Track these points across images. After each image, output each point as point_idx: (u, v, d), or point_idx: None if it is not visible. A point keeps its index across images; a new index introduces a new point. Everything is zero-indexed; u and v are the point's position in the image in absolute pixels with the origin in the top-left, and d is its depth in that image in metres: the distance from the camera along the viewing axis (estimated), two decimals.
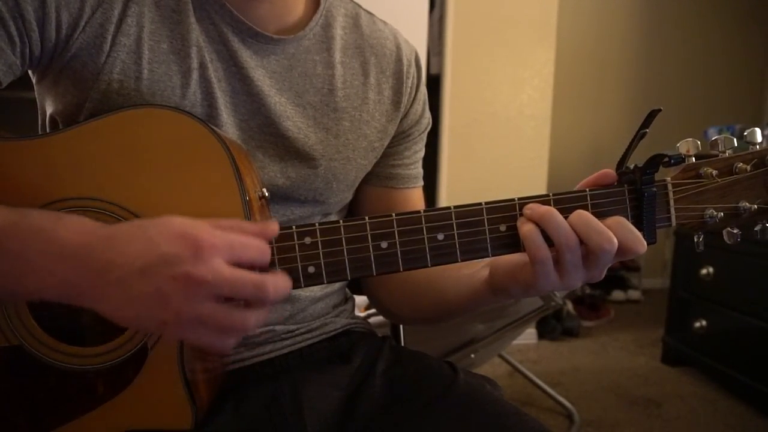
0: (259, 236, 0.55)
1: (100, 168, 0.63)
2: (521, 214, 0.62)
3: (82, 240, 0.52)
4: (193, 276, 0.50)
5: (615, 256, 0.60)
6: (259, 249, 0.55)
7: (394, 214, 0.61)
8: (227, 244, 0.52)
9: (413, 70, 0.86)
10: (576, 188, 0.65)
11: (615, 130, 3.72)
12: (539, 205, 0.61)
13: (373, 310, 1.45)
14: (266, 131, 0.75)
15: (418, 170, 0.90)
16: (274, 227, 0.57)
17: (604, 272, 0.63)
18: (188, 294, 0.51)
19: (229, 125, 0.72)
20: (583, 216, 0.60)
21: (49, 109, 0.73)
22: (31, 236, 0.53)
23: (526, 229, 0.61)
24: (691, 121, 3.36)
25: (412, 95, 0.86)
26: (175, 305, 0.51)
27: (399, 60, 0.84)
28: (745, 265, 2.23)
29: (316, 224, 0.60)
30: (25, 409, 0.64)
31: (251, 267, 0.54)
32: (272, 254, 0.60)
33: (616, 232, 0.59)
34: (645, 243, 0.61)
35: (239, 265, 0.53)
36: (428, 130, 0.91)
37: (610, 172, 0.64)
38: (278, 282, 0.54)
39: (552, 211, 0.60)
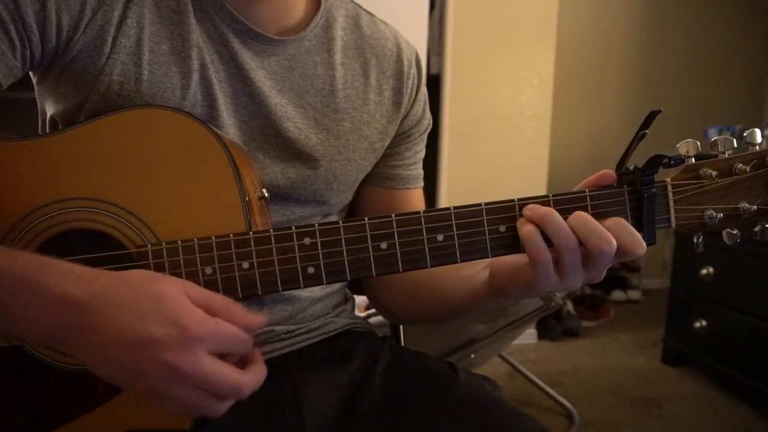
0: (247, 329, 0.56)
1: (100, 168, 0.63)
2: (521, 215, 0.62)
3: (69, 292, 0.52)
4: (174, 366, 0.51)
5: (614, 257, 0.60)
6: (244, 344, 0.56)
7: (393, 215, 0.61)
8: (215, 338, 0.53)
9: (414, 70, 0.86)
10: (576, 189, 0.65)
11: (615, 130, 3.72)
12: (539, 206, 0.61)
13: (373, 310, 1.45)
14: (267, 132, 0.74)
15: (419, 171, 0.90)
16: (262, 320, 0.57)
17: (604, 273, 0.62)
18: (166, 379, 0.51)
19: (229, 126, 0.72)
20: (582, 217, 0.60)
21: (50, 111, 0.73)
22: (15, 286, 0.52)
23: (526, 230, 0.61)
24: (691, 121, 3.36)
25: (413, 96, 0.86)
26: (151, 383, 0.52)
27: (399, 61, 0.84)
28: (745, 265, 2.22)
29: (316, 225, 0.60)
30: (24, 409, 0.64)
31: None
32: (272, 254, 0.60)
33: (615, 234, 0.59)
34: (644, 244, 0.60)
35: (223, 353, 0.54)
36: (429, 130, 0.91)
37: (609, 172, 0.64)
38: (256, 382, 0.55)
39: (552, 212, 0.60)
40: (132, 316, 0.51)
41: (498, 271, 0.67)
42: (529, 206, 0.61)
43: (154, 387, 0.52)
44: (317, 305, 0.83)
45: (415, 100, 0.86)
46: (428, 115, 0.90)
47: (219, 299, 0.56)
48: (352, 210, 0.89)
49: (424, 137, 0.90)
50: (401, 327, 1.07)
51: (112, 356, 0.52)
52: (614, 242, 0.59)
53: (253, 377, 0.55)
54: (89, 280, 0.53)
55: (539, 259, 0.60)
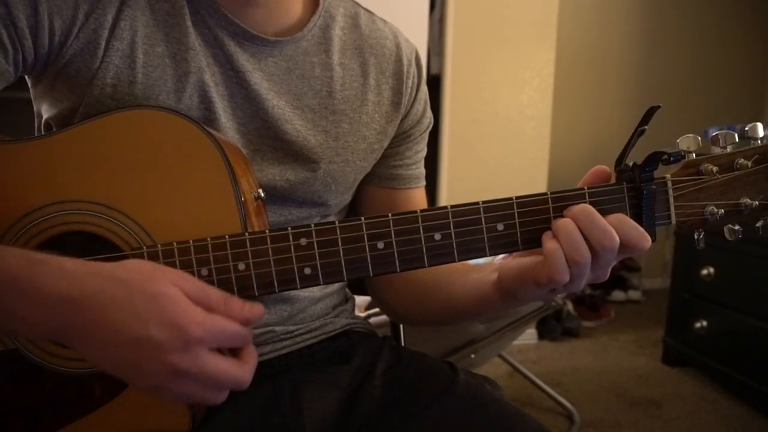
0: (245, 323, 0.56)
1: (94, 170, 0.62)
2: (518, 213, 0.62)
3: (63, 291, 0.51)
4: (178, 367, 0.51)
5: (619, 253, 0.60)
6: (243, 338, 0.56)
7: (390, 215, 0.61)
8: (214, 336, 0.53)
9: (413, 69, 0.86)
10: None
11: (615, 130, 3.71)
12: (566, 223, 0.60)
13: (373, 310, 1.45)
14: (265, 134, 0.74)
15: (420, 170, 0.89)
16: (259, 311, 0.58)
17: (609, 272, 0.62)
18: (168, 378, 0.52)
19: (227, 129, 0.72)
20: (587, 211, 0.60)
21: (45, 114, 0.72)
22: (6, 285, 0.52)
23: (550, 246, 0.59)
24: (692, 121, 3.35)
25: (413, 95, 0.85)
26: (154, 381, 0.52)
27: (399, 60, 0.84)
28: (745, 266, 2.22)
29: (312, 225, 0.60)
30: (21, 412, 0.64)
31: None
32: (268, 255, 0.60)
33: (617, 230, 0.59)
34: (649, 238, 0.60)
35: (222, 348, 0.55)
36: (429, 129, 0.90)
37: (602, 167, 0.64)
38: (252, 368, 0.57)
39: (569, 226, 0.59)
40: (129, 316, 0.51)
41: (505, 273, 0.66)
42: (558, 224, 0.60)
43: (156, 384, 0.53)
44: (317, 305, 0.83)
45: (415, 99, 0.86)
46: (429, 114, 0.89)
47: (215, 294, 0.56)
48: (354, 210, 0.89)
49: (425, 136, 0.90)
50: (401, 327, 1.07)
51: (113, 354, 0.52)
52: (617, 239, 0.58)
53: (249, 367, 0.56)
54: (82, 277, 0.52)
55: (557, 279, 0.59)
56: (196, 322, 0.52)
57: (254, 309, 0.57)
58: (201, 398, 0.54)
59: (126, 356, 0.52)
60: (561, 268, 0.58)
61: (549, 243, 0.60)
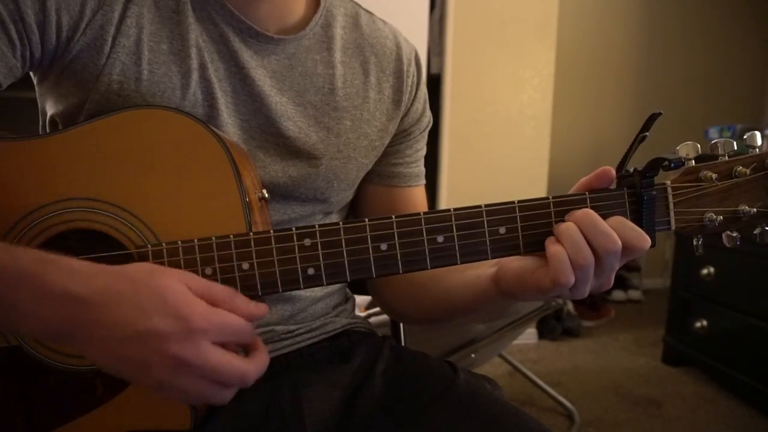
0: (250, 318, 0.57)
1: (100, 169, 0.63)
2: (520, 216, 0.62)
3: (71, 289, 0.52)
4: (179, 357, 0.51)
5: (621, 257, 0.60)
6: (247, 334, 0.56)
7: (393, 216, 0.61)
8: (218, 328, 0.53)
9: (413, 68, 0.86)
10: (575, 187, 0.65)
11: (615, 130, 3.71)
12: (570, 228, 0.60)
13: (373, 310, 1.45)
14: (267, 131, 0.75)
15: (420, 168, 0.90)
16: (264, 309, 0.58)
17: (612, 279, 0.62)
18: (172, 371, 0.52)
19: (229, 125, 0.72)
20: (590, 216, 0.60)
21: (50, 111, 0.73)
22: (19, 282, 0.52)
23: (555, 249, 0.60)
24: (692, 121, 3.36)
25: (413, 94, 0.86)
26: (159, 377, 0.52)
27: (399, 59, 0.84)
28: (745, 265, 2.22)
29: (316, 226, 0.60)
30: (23, 409, 0.64)
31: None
32: (272, 255, 0.61)
33: (618, 232, 0.59)
34: (648, 239, 0.60)
35: (226, 343, 0.55)
36: (429, 128, 0.91)
37: (608, 169, 0.64)
38: (259, 369, 0.57)
39: (574, 232, 0.60)
40: (134, 310, 0.52)
41: (505, 274, 0.66)
42: (561, 228, 0.61)
43: (160, 379, 0.53)
44: (317, 305, 0.83)
45: (414, 98, 0.86)
46: (428, 112, 0.90)
47: (220, 289, 0.56)
48: (354, 208, 0.89)
49: (425, 135, 0.90)
50: (401, 327, 1.07)
51: (117, 350, 0.52)
52: (619, 242, 0.59)
53: (256, 364, 0.56)
54: (90, 276, 0.53)
55: (562, 282, 0.59)
56: (200, 312, 0.53)
57: (259, 306, 0.58)
58: (205, 395, 0.54)
59: (130, 353, 0.52)
60: (566, 271, 0.59)
61: (553, 247, 0.60)
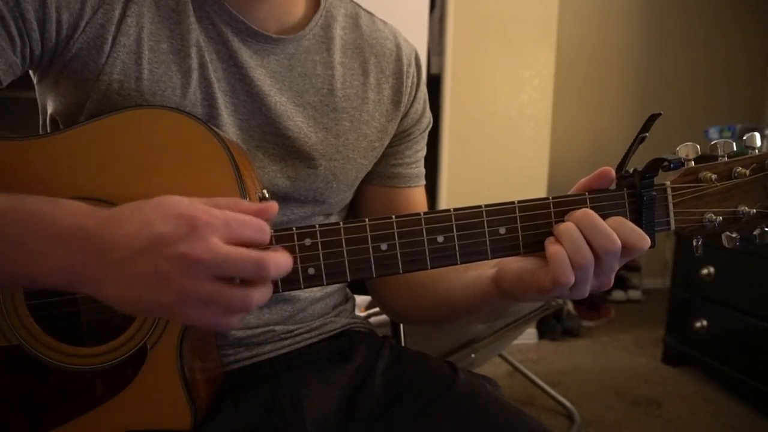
0: (258, 215, 0.54)
1: (100, 169, 0.63)
2: (520, 217, 0.62)
3: (78, 222, 0.52)
4: (188, 255, 0.49)
5: (621, 257, 0.60)
6: (258, 227, 0.53)
7: (393, 216, 0.61)
8: (224, 222, 0.51)
9: (413, 69, 0.86)
10: (575, 187, 0.65)
11: (615, 130, 3.71)
12: (569, 227, 0.60)
13: (373, 310, 1.45)
14: (266, 131, 0.75)
15: (420, 169, 0.90)
16: (273, 206, 0.55)
17: (612, 279, 0.62)
18: (186, 274, 0.49)
19: (229, 125, 0.72)
20: (589, 216, 0.60)
21: (50, 109, 0.73)
22: (27, 220, 0.52)
23: (554, 249, 0.60)
24: (692, 121, 3.35)
25: (412, 95, 0.86)
26: (175, 286, 0.50)
27: (399, 59, 0.84)
28: (745, 265, 2.22)
29: (316, 226, 0.60)
30: (24, 408, 0.65)
31: (250, 245, 0.52)
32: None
33: (617, 232, 0.59)
34: (648, 239, 0.60)
35: (238, 243, 0.51)
36: (429, 129, 0.91)
37: (608, 169, 0.64)
38: (279, 259, 0.52)
39: (573, 232, 0.60)
40: (138, 223, 0.51)
41: (505, 274, 0.66)
42: (560, 228, 0.60)
43: (179, 291, 0.50)
44: (317, 305, 0.83)
45: (414, 98, 0.86)
46: (428, 113, 0.90)
47: (224, 198, 0.54)
48: (354, 209, 0.89)
49: (425, 136, 0.90)
50: (401, 327, 1.07)
51: (128, 272, 0.50)
52: (619, 242, 0.59)
53: (275, 256, 0.52)
54: (96, 210, 0.53)
55: (562, 282, 0.59)
56: (202, 209, 0.51)
57: (268, 204, 0.55)
58: (217, 302, 0.51)
59: (141, 268, 0.50)
60: (566, 271, 0.59)
61: (552, 247, 0.60)
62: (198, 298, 0.50)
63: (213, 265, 0.50)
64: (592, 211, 0.61)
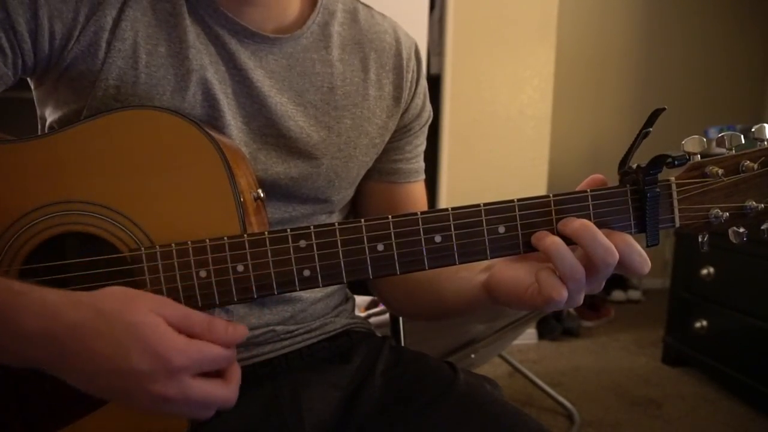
0: (229, 343, 0.57)
1: (92, 171, 0.62)
2: (520, 215, 0.61)
3: (43, 326, 0.52)
4: (162, 395, 0.53)
5: (615, 269, 0.59)
6: (226, 359, 0.57)
7: (390, 216, 0.60)
8: (197, 363, 0.54)
9: (413, 63, 0.86)
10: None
11: (615, 130, 3.71)
12: (551, 239, 0.59)
13: (373, 310, 1.45)
14: (268, 132, 0.74)
15: (420, 164, 0.89)
16: (242, 332, 0.59)
17: (603, 283, 0.61)
18: (157, 404, 0.54)
19: (232, 127, 0.72)
20: (589, 228, 0.58)
21: (49, 117, 0.72)
22: None
23: (542, 275, 0.58)
24: (692, 121, 3.34)
25: (413, 89, 0.85)
26: (144, 406, 0.55)
27: (399, 54, 0.83)
28: (745, 265, 2.22)
29: (311, 227, 0.60)
30: (19, 413, 0.64)
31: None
32: (267, 257, 0.60)
33: (622, 252, 0.58)
34: (649, 264, 0.59)
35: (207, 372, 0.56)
36: (429, 123, 0.90)
37: (600, 177, 0.63)
38: (237, 385, 0.58)
39: (560, 248, 0.58)
40: (111, 347, 0.52)
41: (498, 284, 0.65)
42: (545, 241, 0.59)
43: (147, 408, 0.55)
44: (317, 305, 0.83)
45: (414, 93, 0.86)
46: (428, 107, 0.89)
47: (197, 318, 0.56)
48: (355, 206, 0.89)
49: (425, 130, 0.90)
50: (401, 327, 1.07)
51: (98, 381, 0.54)
52: (617, 255, 0.57)
53: (234, 385, 0.58)
54: (62, 311, 0.53)
55: (555, 299, 0.58)
56: (178, 349, 0.53)
57: (237, 330, 0.58)
58: (191, 416, 0.58)
59: (114, 384, 0.54)
60: (557, 288, 0.57)
61: (542, 273, 0.58)
62: (166, 412, 0.56)
63: (183, 404, 0.54)
64: (590, 223, 0.59)
